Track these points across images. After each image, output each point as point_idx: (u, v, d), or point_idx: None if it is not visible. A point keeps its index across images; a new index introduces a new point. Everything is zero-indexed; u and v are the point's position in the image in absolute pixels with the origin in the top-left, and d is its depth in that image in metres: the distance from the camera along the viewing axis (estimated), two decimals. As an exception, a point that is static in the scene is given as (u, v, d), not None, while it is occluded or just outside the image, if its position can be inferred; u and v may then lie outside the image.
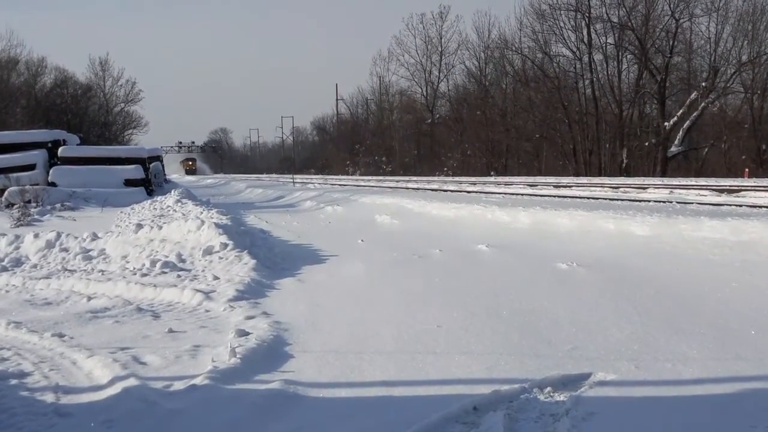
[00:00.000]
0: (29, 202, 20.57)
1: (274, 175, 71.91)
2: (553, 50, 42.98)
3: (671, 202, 14.00)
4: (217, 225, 11.70)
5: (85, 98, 64.03)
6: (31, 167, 26.37)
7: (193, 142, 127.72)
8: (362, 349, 5.52)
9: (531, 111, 45.00)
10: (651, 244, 9.84)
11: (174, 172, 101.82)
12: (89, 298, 7.98)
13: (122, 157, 29.59)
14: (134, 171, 28.01)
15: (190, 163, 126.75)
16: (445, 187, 25.87)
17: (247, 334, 5.97)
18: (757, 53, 35.88)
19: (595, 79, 40.77)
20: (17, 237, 12.05)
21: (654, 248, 9.63)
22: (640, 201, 14.79)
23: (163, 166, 40.11)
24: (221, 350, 5.46)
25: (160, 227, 12.15)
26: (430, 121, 60.11)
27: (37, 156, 27.20)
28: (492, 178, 35.48)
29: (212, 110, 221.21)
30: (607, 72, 40.57)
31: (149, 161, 31.39)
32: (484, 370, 4.90)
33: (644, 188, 18.97)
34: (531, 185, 24.27)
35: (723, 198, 14.73)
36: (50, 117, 52.60)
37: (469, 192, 22.04)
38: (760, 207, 11.92)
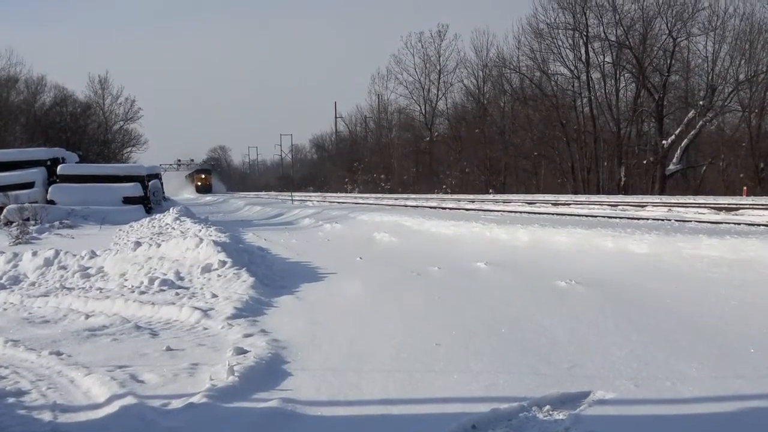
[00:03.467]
0: (28, 219, 20.56)
1: (272, 193, 71.90)
2: (551, 69, 43.24)
3: (669, 220, 14.01)
4: (216, 243, 11.70)
5: (84, 116, 64.12)
6: (29, 185, 26.35)
7: (192, 160, 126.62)
8: (361, 367, 5.51)
9: (529, 129, 45.15)
10: (650, 262, 9.84)
11: (178, 189, 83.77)
12: (87, 316, 7.96)
13: (121, 175, 29.58)
14: (133, 189, 28.01)
15: (203, 176, 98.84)
16: (443, 205, 25.88)
17: (246, 352, 5.96)
18: (754, 72, 36.07)
19: (593, 97, 40.96)
20: (15, 255, 12.04)
21: (653, 266, 9.63)
22: (638, 219, 14.80)
23: (162, 183, 40.12)
24: (219, 368, 5.45)
25: (159, 245, 12.15)
26: (428, 138, 60.24)
27: (36, 174, 27.20)
28: (490, 196, 35.50)
29: (211, 128, 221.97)
30: (605, 90, 40.76)
31: (148, 179, 31.41)
32: (483, 389, 4.89)
33: (642, 206, 18.98)
34: (529, 203, 24.29)
35: (721, 216, 14.74)
36: (49, 135, 52.65)
37: (467, 210, 22.05)
38: (759, 225, 11.93)
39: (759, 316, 6.74)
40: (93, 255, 11.82)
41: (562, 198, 27.52)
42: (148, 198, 29.60)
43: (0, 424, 4.37)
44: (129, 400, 4.69)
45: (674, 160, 37.12)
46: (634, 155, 39.86)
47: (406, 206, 26.55)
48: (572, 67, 41.70)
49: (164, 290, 9.38)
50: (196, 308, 7.89)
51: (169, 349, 6.27)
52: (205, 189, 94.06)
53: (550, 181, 44.77)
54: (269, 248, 14.77)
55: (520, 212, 19.40)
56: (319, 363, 5.71)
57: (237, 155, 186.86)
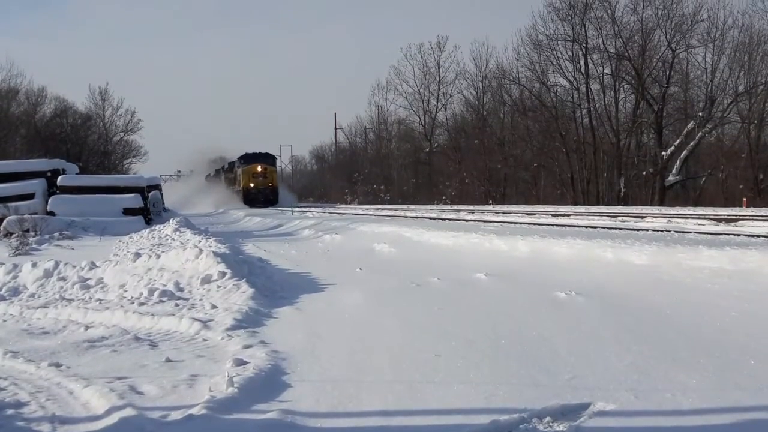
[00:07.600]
0: (28, 231, 20.55)
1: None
2: (551, 80, 43.51)
3: (669, 231, 14.01)
4: (216, 253, 11.69)
5: (84, 127, 64.35)
6: (29, 196, 26.38)
7: (192, 171, 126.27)
8: (360, 378, 5.49)
9: (529, 140, 45.31)
10: (649, 273, 9.83)
11: (191, 199, 58.62)
12: (86, 328, 7.93)
13: (121, 186, 29.63)
14: (133, 200, 28.02)
15: (261, 170, 55.32)
16: (443, 216, 25.88)
17: (245, 363, 5.94)
18: (753, 83, 36.22)
19: (592, 108, 41.13)
20: (15, 266, 12.02)
21: (652, 277, 9.62)
22: (638, 230, 14.80)
23: (162, 194, 40.08)
24: (219, 379, 5.43)
25: (159, 256, 12.15)
26: (428, 149, 60.42)
27: (36, 185, 27.23)
28: (490, 207, 35.53)
29: (211, 140, 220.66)
30: (605, 102, 40.94)
31: (148, 190, 31.44)
32: (483, 400, 4.88)
33: (642, 217, 18.99)
34: (529, 214, 24.30)
35: (721, 227, 14.74)
36: (49, 146, 52.82)
37: (467, 220, 22.05)
38: (759, 236, 11.93)
39: (759, 328, 6.73)
40: (93, 266, 11.81)
41: (562, 209, 27.53)
42: (148, 209, 29.62)
43: (-1, 436, 4.36)
44: (128, 412, 4.67)
45: (673, 171, 37.21)
46: (634, 166, 39.97)
47: (406, 217, 26.55)
48: (571, 79, 41.96)
49: (164, 301, 9.37)
50: (196, 319, 7.88)
51: (168, 360, 6.26)
52: (265, 197, 53.71)
53: (549, 192, 44.87)
54: (269, 259, 14.75)
55: (520, 223, 19.40)
56: (318, 374, 5.70)
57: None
